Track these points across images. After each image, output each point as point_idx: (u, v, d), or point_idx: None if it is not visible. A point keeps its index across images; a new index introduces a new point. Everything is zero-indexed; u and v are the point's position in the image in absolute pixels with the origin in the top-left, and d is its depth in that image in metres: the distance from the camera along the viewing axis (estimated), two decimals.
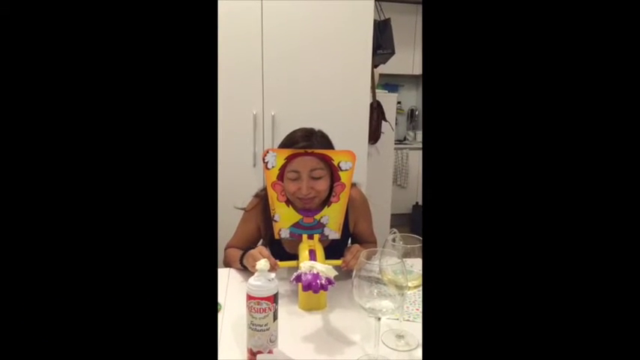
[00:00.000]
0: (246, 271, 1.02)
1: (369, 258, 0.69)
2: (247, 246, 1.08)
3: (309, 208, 1.03)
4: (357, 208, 1.14)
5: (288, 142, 1.04)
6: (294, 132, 1.07)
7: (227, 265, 1.12)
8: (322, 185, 1.01)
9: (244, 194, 1.21)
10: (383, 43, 2.12)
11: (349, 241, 1.17)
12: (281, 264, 0.93)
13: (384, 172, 2.51)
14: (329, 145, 1.08)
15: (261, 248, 1.01)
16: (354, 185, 1.07)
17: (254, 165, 1.73)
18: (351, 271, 0.77)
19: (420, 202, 3.70)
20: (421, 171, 3.97)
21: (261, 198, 1.11)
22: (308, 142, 1.02)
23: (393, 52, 2.21)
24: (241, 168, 1.72)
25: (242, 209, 1.16)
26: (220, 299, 0.92)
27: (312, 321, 0.85)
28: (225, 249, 1.15)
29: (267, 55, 1.66)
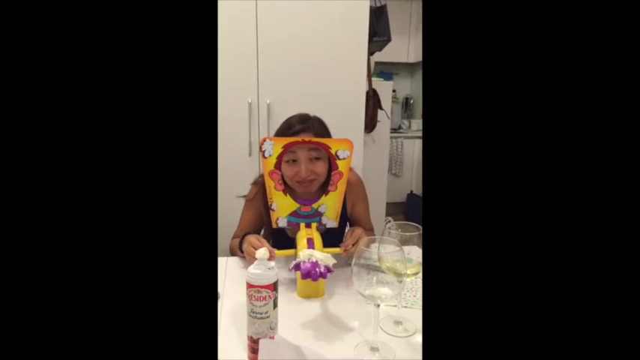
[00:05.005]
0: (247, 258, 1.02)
1: (367, 246, 0.69)
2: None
3: (308, 191, 1.04)
4: (355, 190, 1.15)
5: (285, 127, 1.07)
6: (291, 117, 1.09)
7: (233, 254, 1.13)
8: (321, 167, 1.03)
9: (241, 183, 1.21)
10: (379, 30, 2.11)
11: (347, 225, 1.18)
12: (279, 252, 0.93)
13: (379, 160, 2.51)
14: (325, 130, 1.10)
15: (258, 236, 1.02)
16: (350, 169, 1.08)
17: (250, 154, 1.72)
18: (350, 257, 0.78)
19: (415, 191, 3.72)
20: (415, 160, 3.98)
21: (260, 185, 1.11)
22: (304, 124, 1.04)
23: (389, 40, 2.20)
24: (237, 157, 1.71)
25: (243, 197, 1.17)
26: (219, 288, 0.92)
27: (311, 308, 0.85)
28: (232, 239, 1.16)
29: (262, 42, 1.64)
